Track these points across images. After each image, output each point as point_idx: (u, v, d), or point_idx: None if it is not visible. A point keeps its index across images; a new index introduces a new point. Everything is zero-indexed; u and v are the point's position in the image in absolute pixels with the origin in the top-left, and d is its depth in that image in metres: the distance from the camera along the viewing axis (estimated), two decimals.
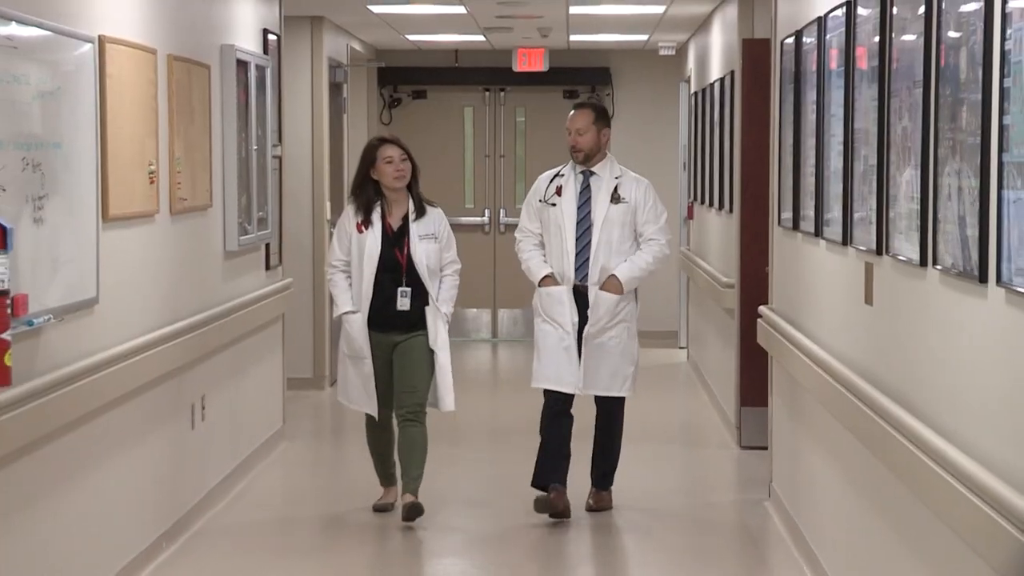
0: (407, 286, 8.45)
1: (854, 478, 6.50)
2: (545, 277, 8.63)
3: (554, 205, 8.69)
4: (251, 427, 10.14)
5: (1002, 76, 4.27)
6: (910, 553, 5.45)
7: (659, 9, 13.18)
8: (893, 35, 5.74)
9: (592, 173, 8.72)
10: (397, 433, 8.67)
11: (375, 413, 8.59)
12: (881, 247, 5.91)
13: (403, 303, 8.46)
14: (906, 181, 5.47)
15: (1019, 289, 4.12)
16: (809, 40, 7.69)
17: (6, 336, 5.40)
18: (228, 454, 9.46)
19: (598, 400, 8.80)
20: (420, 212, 8.59)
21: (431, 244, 8.56)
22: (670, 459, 10.50)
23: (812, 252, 7.65)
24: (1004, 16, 4.25)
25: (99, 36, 6.92)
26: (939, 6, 5.02)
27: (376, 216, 8.52)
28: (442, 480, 8.81)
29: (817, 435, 7.39)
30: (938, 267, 5.02)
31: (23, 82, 5.98)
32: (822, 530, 7.35)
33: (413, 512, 8.29)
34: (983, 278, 4.48)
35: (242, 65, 9.74)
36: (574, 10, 13.27)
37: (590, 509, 8.76)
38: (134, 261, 7.52)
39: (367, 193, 8.57)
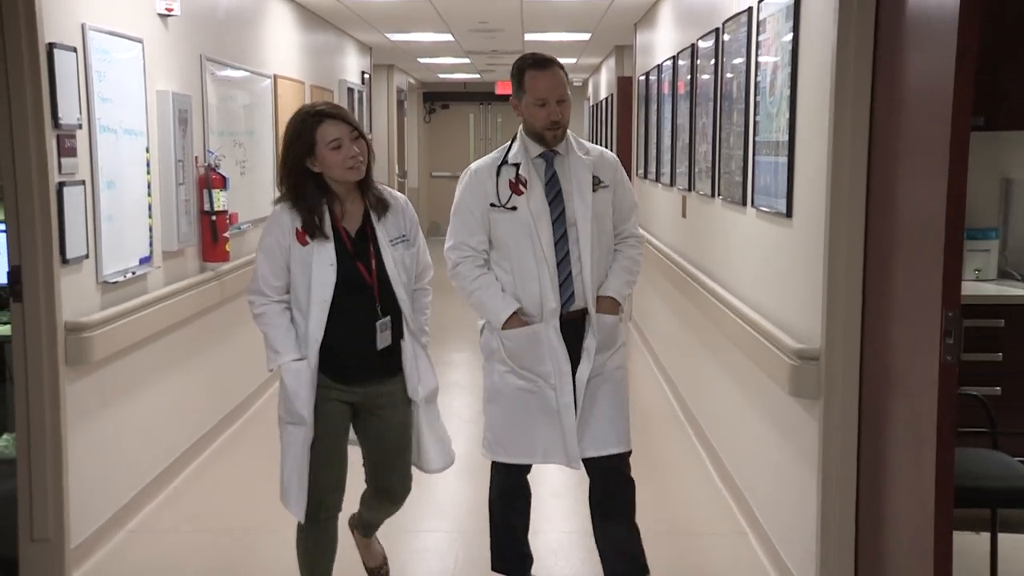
0: (384, 314, 3.07)
1: (675, 310, 6.51)
2: (511, 316, 3.18)
3: (514, 209, 3.19)
4: None
5: (755, 95, 4.23)
6: (705, 350, 5.48)
7: (573, 60, 13.09)
8: (697, 75, 5.67)
9: (555, 154, 3.27)
10: (368, 505, 3.37)
11: (300, 517, 3.06)
12: (691, 187, 5.87)
13: (384, 339, 3.08)
14: (704, 152, 5.43)
15: (762, 209, 4.11)
16: (653, 77, 7.60)
17: (226, 235, 5.37)
18: None
19: (596, 462, 3.27)
20: (383, 208, 3.15)
21: (405, 250, 3.15)
22: None
23: (654, 191, 7.60)
24: (757, 65, 4.21)
25: (274, 74, 6.82)
26: (721, 60, 4.96)
27: (326, 222, 3.05)
28: (449, 319, 8.16)
29: (657, 288, 7.39)
30: (721, 197, 4.99)
31: (234, 100, 5.91)
32: (657, 337, 7.37)
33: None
34: (744, 203, 4.46)
35: (350, 91, 9.61)
36: None
37: None
38: None
39: (308, 191, 3.04)
